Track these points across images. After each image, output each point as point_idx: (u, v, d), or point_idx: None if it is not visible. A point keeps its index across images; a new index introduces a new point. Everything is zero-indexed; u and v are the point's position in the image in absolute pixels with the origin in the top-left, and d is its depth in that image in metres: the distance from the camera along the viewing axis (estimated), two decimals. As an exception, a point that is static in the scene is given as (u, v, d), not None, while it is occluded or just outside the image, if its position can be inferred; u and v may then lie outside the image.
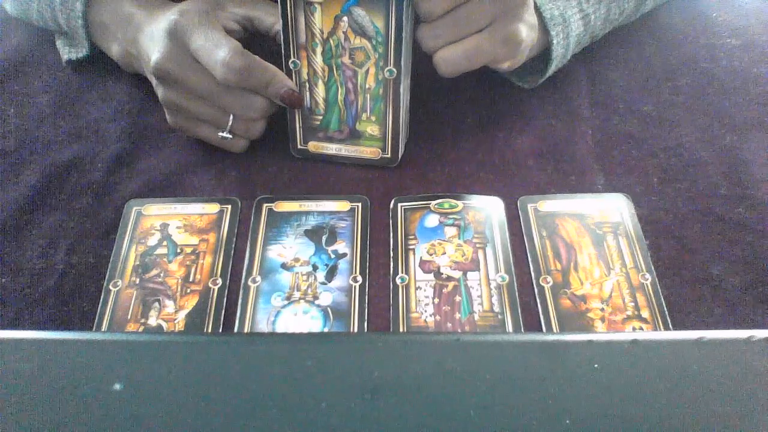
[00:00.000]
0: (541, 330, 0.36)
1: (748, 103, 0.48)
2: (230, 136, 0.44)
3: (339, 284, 0.39)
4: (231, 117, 0.43)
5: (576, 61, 0.51)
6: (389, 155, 0.44)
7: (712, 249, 0.40)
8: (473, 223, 0.41)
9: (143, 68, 0.46)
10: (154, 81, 0.43)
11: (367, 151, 0.44)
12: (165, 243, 0.41)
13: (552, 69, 0.46)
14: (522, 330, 0.36)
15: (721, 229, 0.41)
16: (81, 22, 0.48)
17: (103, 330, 0.37)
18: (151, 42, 0.42)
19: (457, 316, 0.37)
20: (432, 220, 0.42)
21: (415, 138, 0.47)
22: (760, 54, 0.52)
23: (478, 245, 0.40)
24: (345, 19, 0.39)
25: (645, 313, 0.37)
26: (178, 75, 0.41)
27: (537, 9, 0.43)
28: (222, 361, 0.27)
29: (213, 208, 0.43)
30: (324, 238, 0.41)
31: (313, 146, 0.45)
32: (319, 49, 0.40)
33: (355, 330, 0.37)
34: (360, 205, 0.43)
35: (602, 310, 0.37)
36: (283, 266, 0.40)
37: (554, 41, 0.44)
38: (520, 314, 0.37)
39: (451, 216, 0.42)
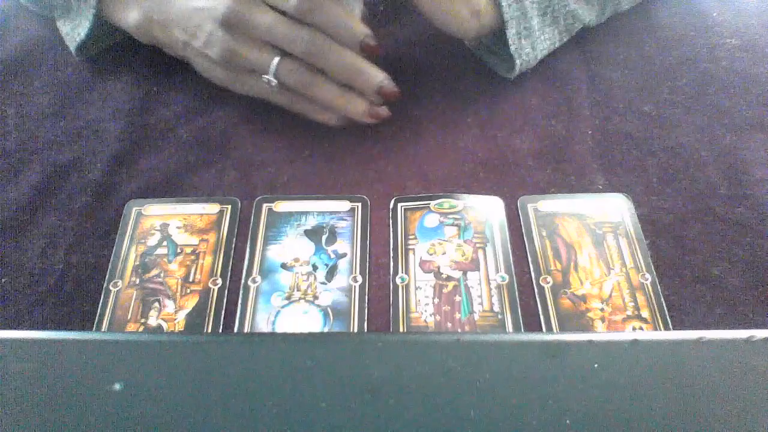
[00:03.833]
0: (541, 330, 0.36)
1: (748, 103, 0.48)
2: (275, 81, 0.43)
3: (339, 284, 0.39)
4: (276, 59, 0.42)
5: (576, 61, 0.51)
6: None
7: (712, 249, 0.40)
8: (473, 223, 0.41)
9: (168, 37, 0.46)
10: (207, 33, 0.43)
11: None
12: (165, 243, 0.41)
13: (514, 33, 0.46)
14: (522, 330, 0.36)
15: (721, 229, 0.41)
16: None
17: (103, 330, 0.37)
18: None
19: (457, 316, 0.37)
20: (432, 220, 0.42)
21: (415, 138, 0.47)
22: (760, 54, 0.52)
23: (478, 245, 0.40)
24: None
25: (645, 313, 0.37)
26: (246, 15, 0.41)
27: None
28: (222, 361, 0.27)
29: (213, 208, 0.43)
30: (324, 238, 0.41)
31: None
32: None
33: (355, 330, 0.37)
34: (360, 205, 0.43)
35: (602, 310, 0.37)
36: (283, 266, 0.40)
37: (503, 2, 0.44)
38: (520, 314, 0.37)
39: (451, 216, 0.42)
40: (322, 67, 0.42)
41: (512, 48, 0.46)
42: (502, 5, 0.44)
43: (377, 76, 0.43)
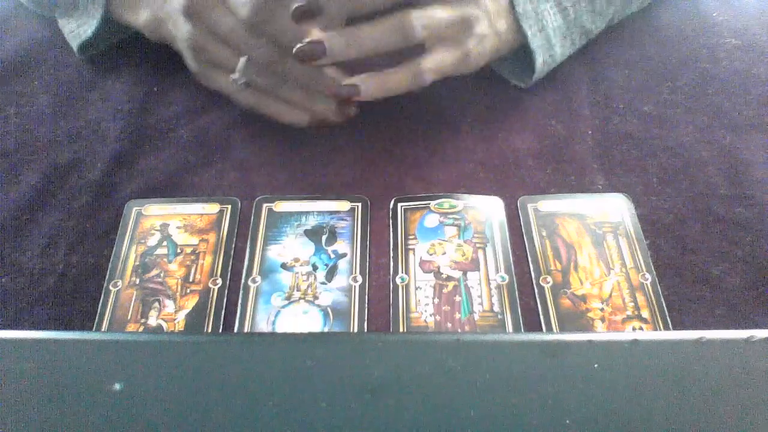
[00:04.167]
0: (541, 330, 0.36)
1: (748, 103, 0.48)
2: (241, 80, 0.43)
3: (339, 284, 0.39)
4: (244, 59, 0.42)
5: (576, 61, 0.51)
6: None
7: (712, 249, 0.40)
8: (473, 223, 0.41)
9: (169, 33, 0.46)
10: (181, 26, 0.43)
11: None
12: (165, 243, 0.41)
13: (541, 63, 0.46)
14: (522, 330, 0.36)
15: (721, 229, 0.41)
16: None
17: (103, 330, 0.37)
18: None
19: (457, 316, 0.37)
20: (432, 220, 0.42)
21: (414, 138, 0.47)
22: (760, 54, 0.52)
23: (478, 245, 0.40)
24: None
25: (645, 313, 0.37)
26: (206, 12, 0.41)
27: (511, 4, 0.44)
28: (222, 361, 0.27)
29: (213, 208, 0.43)
30: (324, 238, 0.41)
31: None
32: None
33: (355, 330, 0.37)
34: (360, 205, 0.43)
35: (602, 310, 0.37)
36: (283, 266, 0.40)
37: (529, 33, 0.44)
38: (520, 314, 0.37)
39: (451, 216, 0.42)
40: (281, 73, 0.42)
41: (535, 76, 0.47)
42: (529, 39, 0.45)
43: (334, 81, 0.43)
